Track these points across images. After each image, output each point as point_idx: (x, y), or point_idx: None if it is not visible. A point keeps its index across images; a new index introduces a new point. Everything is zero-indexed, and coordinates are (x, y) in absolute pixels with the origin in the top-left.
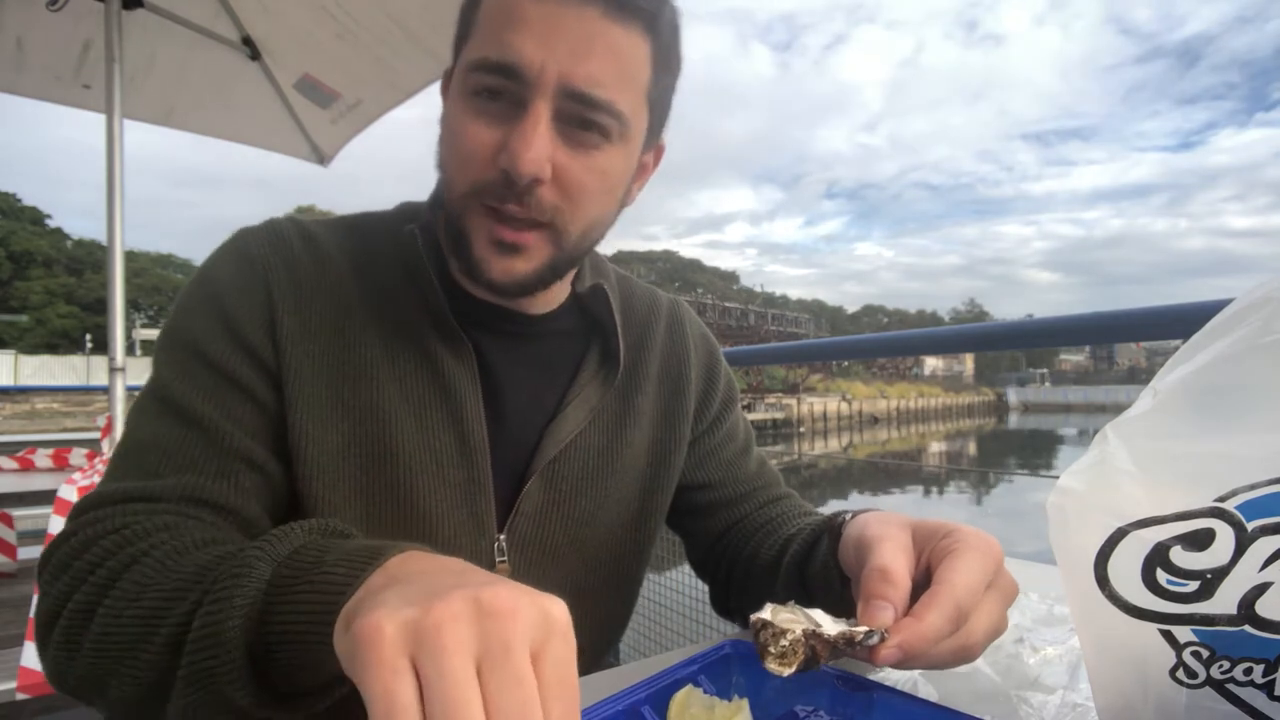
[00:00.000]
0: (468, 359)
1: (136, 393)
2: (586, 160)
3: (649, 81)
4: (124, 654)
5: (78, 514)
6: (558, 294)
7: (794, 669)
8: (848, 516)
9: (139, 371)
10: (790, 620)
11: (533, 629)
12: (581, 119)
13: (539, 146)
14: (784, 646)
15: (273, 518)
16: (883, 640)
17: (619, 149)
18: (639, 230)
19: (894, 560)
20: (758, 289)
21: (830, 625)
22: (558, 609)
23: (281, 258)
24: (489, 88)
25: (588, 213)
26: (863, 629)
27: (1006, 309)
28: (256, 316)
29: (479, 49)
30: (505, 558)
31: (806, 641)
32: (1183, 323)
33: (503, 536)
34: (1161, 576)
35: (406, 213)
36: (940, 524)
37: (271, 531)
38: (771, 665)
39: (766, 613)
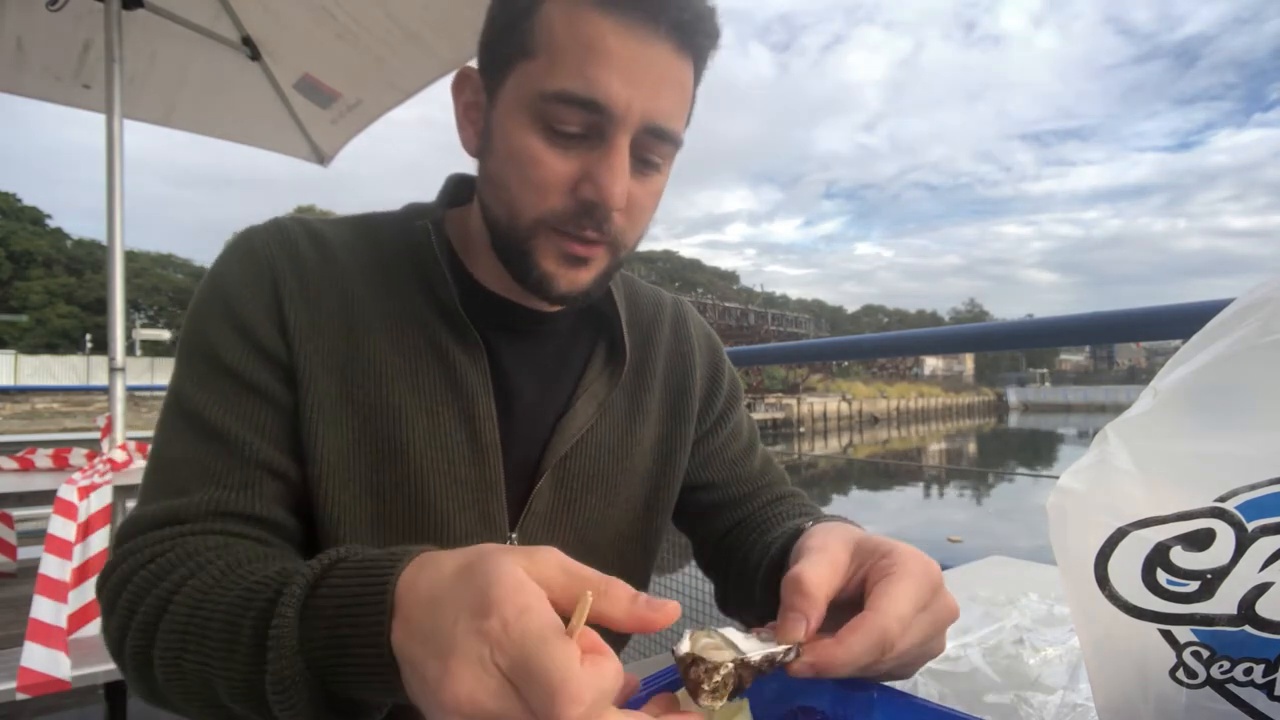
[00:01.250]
0: (479, 356)
1: (136, 393)
2: (647, 184)
3: (692, 104)
4: (194, 697)
5: (118, 543)
6: None
7: (724, 700)
8: (808, 525)
9: (139, 371)
10: (714, 649)
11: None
12: (651, 150)
13: (624, 180)
14: (717, 682)
15: (298, 518)
16: (799, 656)
17: (668, 168)
18: None
19: (813, 571)
20: (757, 289)
21: (753, 648)
22: (490, 623)
23: (287, 255)
24: (570, 120)
25: (642, 228)
26: (782, 648)
27: (1006, 309)
28: (266, 315)
29: (560, 80)
30: None
31: (736, 672)
32: (1183, 323)
33: (514, 536)
34: (1161, 576)
35: (414, 213)
36: (881, 542)
37: (274, 623)
38: (705, 701)
39: (687, 644)
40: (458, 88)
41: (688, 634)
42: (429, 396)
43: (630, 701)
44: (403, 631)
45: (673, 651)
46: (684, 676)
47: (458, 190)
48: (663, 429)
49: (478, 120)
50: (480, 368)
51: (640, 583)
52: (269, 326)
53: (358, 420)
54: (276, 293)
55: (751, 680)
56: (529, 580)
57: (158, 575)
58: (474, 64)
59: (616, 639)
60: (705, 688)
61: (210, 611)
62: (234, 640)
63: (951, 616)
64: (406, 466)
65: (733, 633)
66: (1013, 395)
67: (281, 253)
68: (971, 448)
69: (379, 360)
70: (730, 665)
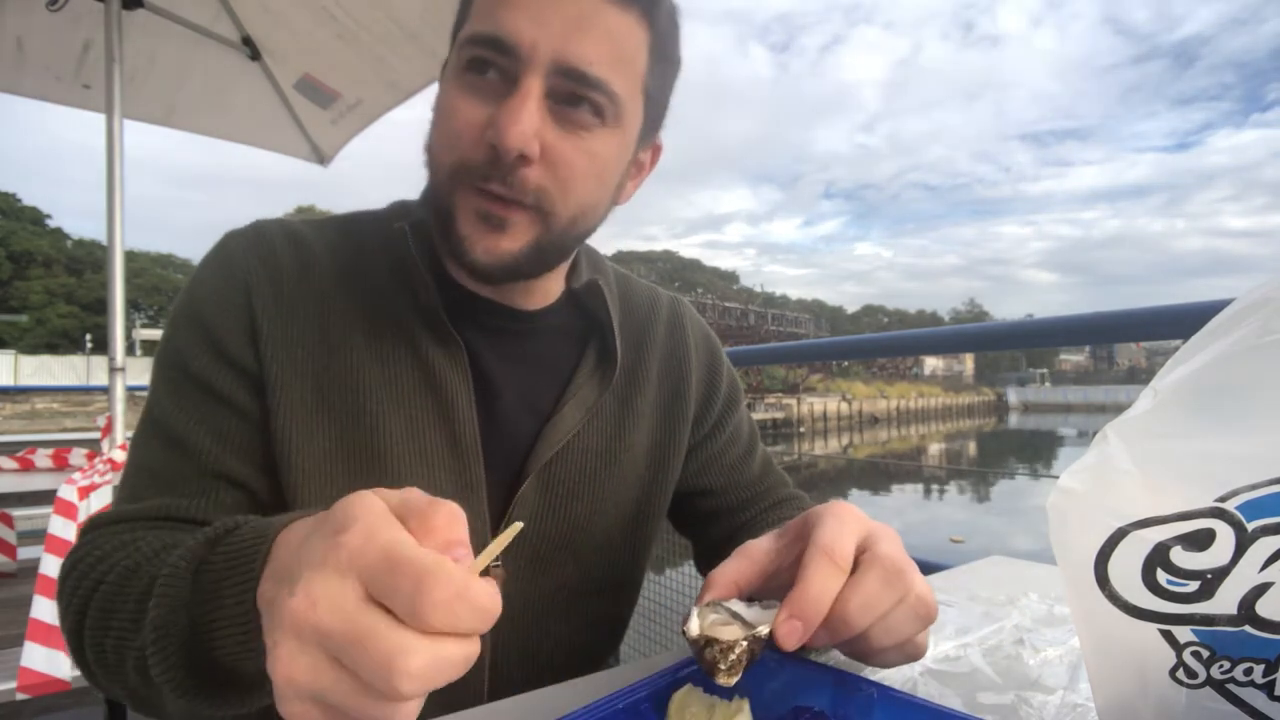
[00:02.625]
0: (458, 357)
1: (136, 393)
2: (577, 140)
3: (645, 70)
4: (114, 677)
5: (76, 540)
6: (552, 288)
7: (740, 676)
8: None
9: (139, 371)
10: (723, 626)
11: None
12: (573, 96)
13: (526, 121)
14: (733, 661)
15: None
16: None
17: (612, 133)
18: (639, 230)
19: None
20: (757, 289)
21: (759, 618)
22: (351, 532)
23: (263, 262)
24: (480, 60)
25: (577, 196)
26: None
27: (1006, 309)
28: (236, 326)
29: (473, 25)
30: (499, 562)
31: (749, 648)
32: (1183, 323)
33: None
34: (1161, 576)
35: (399, 210)
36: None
37: (164, 572)
38: (722, 680)
39: (696, 623)
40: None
41: (694, 612)
42: (407, 400)
43: (630, 700)
44: (268, 579)
45: (684, 632)
46: (699, 658)
47: None
48: (656, 433)
49: None
50: (460, 369)
51: (630, 586)
52: (239, 337)
53: (335, 427)
54: (249, 303)
55: (762, 652)
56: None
57: (94, 564)
58: None
59: (613, 633)
60: (721, 667)
61: (132, 586)
62: (142, 607)
63: (894, 537)
64: (384, 471)
65: (738, 604)
66: (1013, 395)
67: (258, 261)
68: (971, 448)
69: (356, 365)
70: (744, 643)
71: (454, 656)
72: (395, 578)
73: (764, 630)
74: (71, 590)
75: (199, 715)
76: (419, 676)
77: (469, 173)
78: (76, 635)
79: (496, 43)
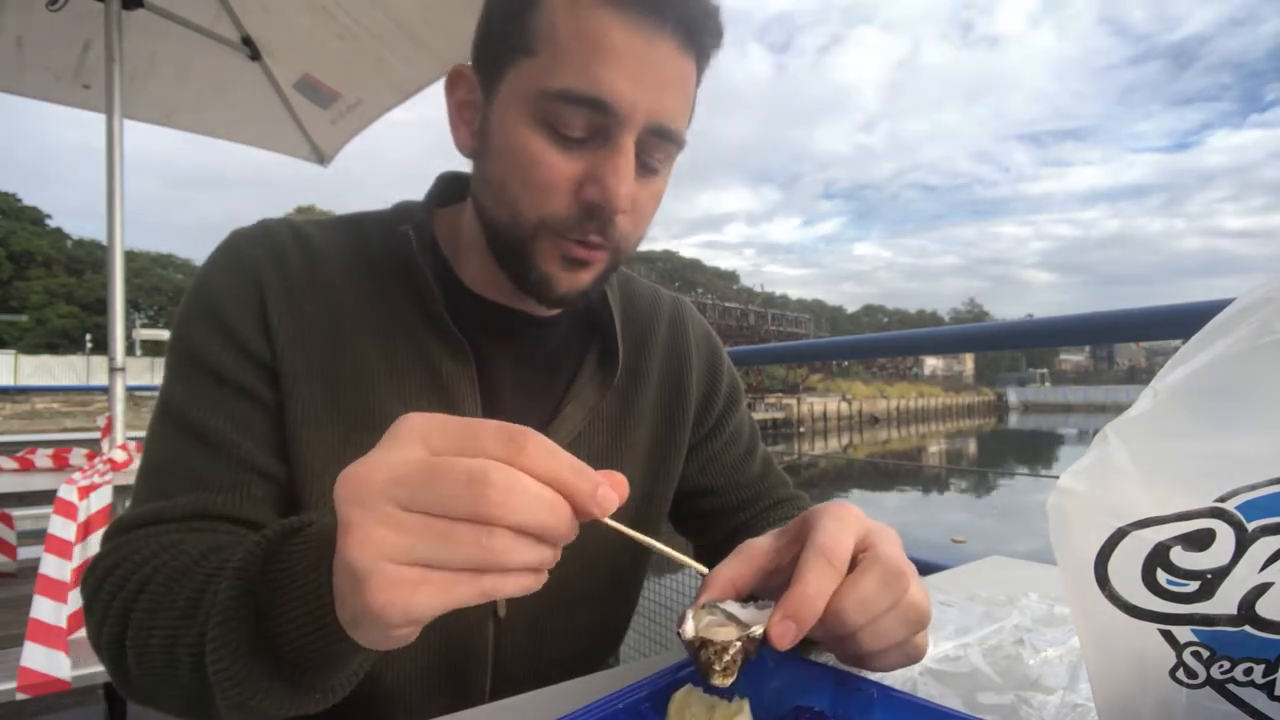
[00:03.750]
0: (465, 360)
1: (136, 393)
2: (651, 185)
3: (694, 103)
4: (161, 680)
5: (103, 544)
6: None
7: (735, 676)
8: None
9: (139, 371)
10: (719, 627)
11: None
12: (655, 150)
13: (631, 182)
14: (727, 661)
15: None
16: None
17: (669, 169)
18: None
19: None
20: (757, 289)
21: (754, 618)
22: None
23: (273, 258)
24: (574, 120)
25: (643, 230)
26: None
27: (1006, 309)
28: (251, 318)
29: (563, 78)
30: None
31: (744, 649)
32: (1183, 323)
33: None
34: (1162, 577)
35: (403, 213)
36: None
37: (236, 558)
38: (717, 680)
39: (691, 625)
40: (451, 86)
41: (689, 614)
42: (414, 402)
43: (630, 700)
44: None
45: (679, 634)
46: (694, 659)
47: (449, 189)
48: (657, 433)
49: (472, 120)
50: (467, 374)
51: (631, 586)
52: (254, 330)
53: (342, 426)
54: (261, 297)
55: (757, 651)
56: None
57: (137, 566)
58: (467, 62)
59: (614, 634)
60: (716, 668)
61: (183, 585)
62: (199, 600)
63: (895, 539)
64: None
65: (733, 605)
66: (1013, 395)
67: (267, 257)
68: (972, 448)
69: (364, 366)
70: (738, 644)
71: (534, 489)
72: (478, 433)
73: (758, 631)
74: (109, 597)
75: (253, 713)
76: (506, 488)
77: (559, 224)
78: (117, 643)
79: (595, 103)
